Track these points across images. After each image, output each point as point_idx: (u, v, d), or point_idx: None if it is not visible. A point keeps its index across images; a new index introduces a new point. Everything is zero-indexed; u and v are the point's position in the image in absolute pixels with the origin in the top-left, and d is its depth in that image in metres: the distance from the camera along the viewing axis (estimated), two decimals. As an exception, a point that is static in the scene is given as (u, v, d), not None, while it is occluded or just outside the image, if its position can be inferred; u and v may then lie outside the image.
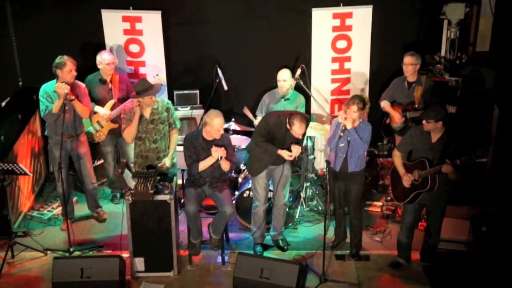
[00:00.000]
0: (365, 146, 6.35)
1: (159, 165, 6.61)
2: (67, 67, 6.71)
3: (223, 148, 6.31)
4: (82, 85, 7.06)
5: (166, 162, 6.64)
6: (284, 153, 6.36)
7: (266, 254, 6.76)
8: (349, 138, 6.30)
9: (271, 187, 6.88)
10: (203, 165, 6.39)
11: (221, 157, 6.28)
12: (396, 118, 7.31)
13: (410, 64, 7.16)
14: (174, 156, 6.79)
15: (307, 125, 6.45)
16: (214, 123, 6.22)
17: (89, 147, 7.29)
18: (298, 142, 6.45)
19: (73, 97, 6.72)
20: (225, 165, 6.41)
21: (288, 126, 6.32)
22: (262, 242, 6.92)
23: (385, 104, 7.39)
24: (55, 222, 7.47)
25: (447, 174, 5.85)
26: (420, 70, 7.30)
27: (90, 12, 8.14)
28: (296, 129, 6.25)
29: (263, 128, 6.53)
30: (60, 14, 8.25)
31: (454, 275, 6.22)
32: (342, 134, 6.25)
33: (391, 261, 6.56)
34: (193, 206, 6.41)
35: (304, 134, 6.48)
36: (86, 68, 7.61)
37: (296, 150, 6.35)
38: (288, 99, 7.33)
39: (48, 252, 6.81)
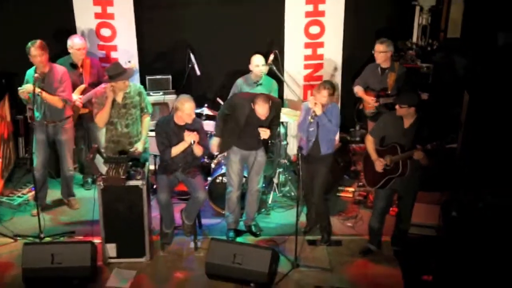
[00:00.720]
0: (336, 129, 6.41)
1: (131, 150, 6.56)
2: (31, 53, 6.64)
3: (195, 133, 6.28)
4: (60, 71, 6.91)
5: (139, 147, 6.59)
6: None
7: (239, 239, 6.77)
8: (319, 123, 6.32)
9: (246, 173, 6.88)
10: (176, 150, 6.35)
11: (194, 142, 6.26)
12: (369, 103, 7.34)
13: (380, 52, 7.19)
14: (146, 141, 6.75)
15: (276, 109, 6.45)
16: (185, 108, 6.18)
17: (73, 134, 7.21)
18: (271, 126, 6.46)
19: (37, 91, 6.62)
20: (198, 150, 6.38)
21: (252, 106, 6.33)
22: (235, 227, 6.92)
23: (358, 90, 7.41)
24: (25, 208, 7.38)
25: (419, 159, 5.91)
26: (392, 56, 7.33)
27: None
28: (258, 108, 6.25)
29: (227, 104, 6.64)
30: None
31: (425, 260, 6.30)
32: (312, 120, 6.28)
33: (362, 248, 6.61)
34: (165, 194, 6.39)
35: (276, 119, 6.49)
36: (58, 52, 7.49)
37: (263, 133, 6.37)
38: (261, 84, 7.32)
39: (18, 238, 6.73)
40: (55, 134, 7.04)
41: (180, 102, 6.22)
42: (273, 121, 6.57)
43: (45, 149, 7.06)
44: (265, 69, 7.30)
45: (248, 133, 6.50)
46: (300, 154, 6.29)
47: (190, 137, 6.26)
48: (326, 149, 6.45)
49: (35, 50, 6.64)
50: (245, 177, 6.90)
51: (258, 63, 7.21)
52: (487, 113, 7.20)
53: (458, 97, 7.80)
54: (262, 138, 6.45)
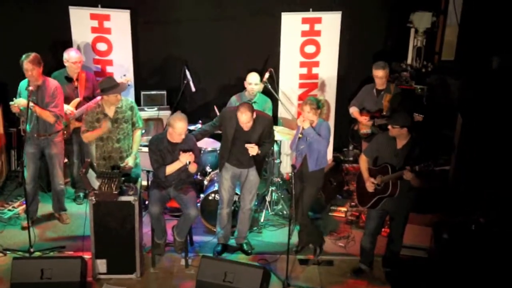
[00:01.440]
0: (325, 142, 6.39)
1: (122, 165, 6.54)
2: (24, 67, 6.62)
3: (191, 153, 6.26)
4: (52, 85, 6.88)
5: (130, 161, 6.58)
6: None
7: (231, 257, 6.73)
8: (308, 138, 6.34)
9: (238, 191, 6.87)
10: (170, 169, 6.34)
11: (189, 162, 6.25)
12: (364, 124, 7.37)
13: (382, 77, 7.22)
14: (137, 156, 6.73)
15: (266, 125, 6.42)
16: (177, 126, 6.16)
17: (63, 148, 7.18)
18: (261, 143, 6.46)
19: (32, 106, 6.64)
20: (193, 168, 6.37)
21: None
22: (224, 242, 6.91)
23: (353, 110, 7.44)
24: (16, 221, 7.33)
25: (409, 180, 5.92)
26: (388, 78, 7.37)
27: (58, 9, 8.02)
28: (240, 116, 6.21)
29: (218, 116, 6.68)
30: (28, 10, 8.12)
31: (416, 281, 6.28)
32: (301, 135, 6.34)
33: (354, 268, 6.59)
34: (157, 207, 6.37)
35: (268, 135, 6.49)
36: (53, 65, 7.50)
37: (251, 149, 6.35)
38: (255, 102, 7.33)
39: (7, 252, 6.68)
40: (46, 148, 7.01)
41: (173, 119, 6.21)
42: (264, 138, 6.52)
43: (36, 162, 7.04)
44: (258, 88, 7.32)
45: (238, 149, 6.48)
46: (293, 173, 6.30)
47: (185, 158, 6.24)
48: (314, 166, 6.45)
49: (27, 64, 6.60)
50: (237, 194, 6.89)
51: (251, 81, 7.24)
52: (480, 136, 7.23)
53: (452, 119, 7.83)
54: (251, 155, 6.43)
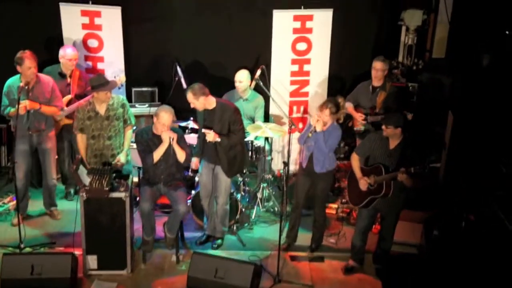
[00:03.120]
0: (325, 151, 6.39)
1: (113, 162, 6.53)
2: (25, 64, 6.58)
3: (171, 131, 6.27)
4: (49, 80, 6.87)
5: (121, 158, 6.57)
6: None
7: (221, 254, 6.73)
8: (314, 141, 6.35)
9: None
10: (157, 154, 6.35)
11: (172, 139, 6.24)
12: (358, 121, 7.38)
13: (380, 70, 7.24)
14: (128, 153, 6.73)
15: (230, 115, 6.41)
16: (161, 116, 6.20)
17: (55, 142, 7.17)
18: (229, 134, 6.46)
19: (38, 107, 6.65)
20: (180, 153, 6.37)
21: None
22: (209, 233, 6.96)
23: (348, 106, 7.44)
24: (6, 217, 7.31)
25: (402, 181, 5.94)
26: (386, 76, 7.38)
27: (49, 6, 7.97)
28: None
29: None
30: (19, 7, 8.07)
31: (406, 278, 6.30)
32: (310, 135, 6.31)
33: (344, 265, 6.60)
34: (148, 204, 6.37)
35: (235, 125, 6.44)
36: (44, 62, 7.46)
37: (208, 135, 6.39)
38: (247, 99, 7.33)
39: (-3, 248, 6.67)
40: (40, 143, 6.99)
41: (159, 109, 6.26)
42: (232, 128, 6.47)
43: (27, 159, 7.01)
44: (244, 85, 7.37)
45: (207, 143, 6.54)
46: (284, 169, 6.31)
47: (166, 134, 6.25)
48: (320, 168, 6.45)
49: (29, 62, 6.57)
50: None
51: (241, 79, 7.32)
52: (471, 133, 7.26)
53: (443, 117, 7.86)
54: (208, 141, 6.43)
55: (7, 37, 7.91)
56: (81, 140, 6.63)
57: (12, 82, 6.76)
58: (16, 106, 6.50)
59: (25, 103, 6.57)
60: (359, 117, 7.33)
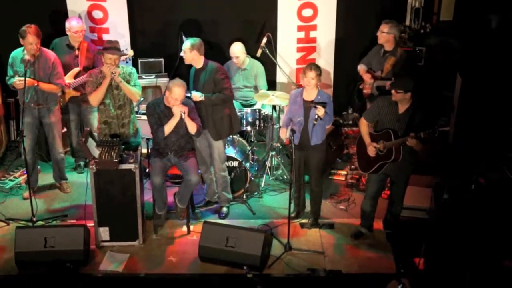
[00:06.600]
0: (331, 120, 6.42)
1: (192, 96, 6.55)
2: (27, 39, 6.56)
3: (182, 105, 6.26)
4: (51, 56, 6.85)
5: (196, 95, 6.54)
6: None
7: (232, 223, 6.77)
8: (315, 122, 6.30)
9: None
10: (168, 127, 6.34)
11: (184, 113, 6.24)
12: (366, 83, 7.30)
13: (382, 32, 7.15)
14: (136, 122, 6.71)
15: (213, 74, 6.47)
16: (174, 90, 6.17)
17: (60, 116, 7.17)
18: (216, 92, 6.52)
19: (35, 84, 6.64)
20: (191, 126, 6.36)
21: None
22: (209, 199, 7.09)
23: (360, 67, 7.37)
24: (17, 191, 7.37)
25: (412, 146, 5.92)
26: (397, 41, 7.27)
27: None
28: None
29: None
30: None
31: (416, 242, 6.33)
32: (315, 122, 6.23)
33: (354, 231, 6.63)
34: (159, 177, 6.39)
35: (220, 84, 6.48)
36: (50, 35, 7.43)
37: (193, 96, 6.48)
38: (245, 69, 7.32)
39: (11, 222, 6.72)
40: (43, 117, 7.00)
41: (172, 83, 6.22)
42: (216, 87, 6.50)
43: (33, 131, 7.02)
44: (240, 60, 7.49)
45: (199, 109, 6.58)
46: (292, 137, 6.28)
47: (178, 108, 6.24)
48: (316, 140, 6.42)
49: (32, 38, 6.55)
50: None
51: (233, 55, 7.51)
52: (479, 96, 7.21)
53: (451, 80, 7.80)
54: (194, 100, 6.47)
55: (12, 10, 7.86)
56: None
57: (16, 53, 6.76)
58: (23, 78, 6.50)
59: (22, 80, 6.58)
60: (367, 78, 7.25)
